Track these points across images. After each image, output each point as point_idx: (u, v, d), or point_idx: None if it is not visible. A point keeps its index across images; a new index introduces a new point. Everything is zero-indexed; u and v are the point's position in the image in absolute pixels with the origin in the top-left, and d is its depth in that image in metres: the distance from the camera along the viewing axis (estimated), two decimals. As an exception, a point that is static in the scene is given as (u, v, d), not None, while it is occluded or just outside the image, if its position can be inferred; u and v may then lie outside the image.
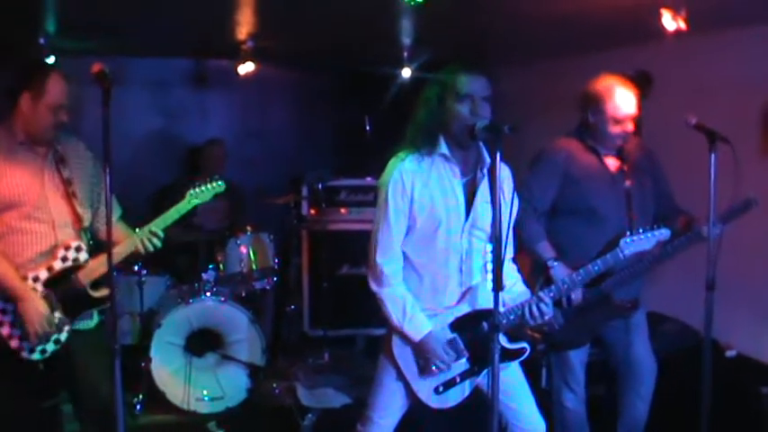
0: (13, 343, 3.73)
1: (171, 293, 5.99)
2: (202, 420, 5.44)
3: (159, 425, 5.42)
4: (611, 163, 4.36)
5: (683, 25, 4.27)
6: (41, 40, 5.68)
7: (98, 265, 3.84)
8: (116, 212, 4.09)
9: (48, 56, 5.85)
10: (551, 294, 3.57)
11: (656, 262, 4.33)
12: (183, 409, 5.47)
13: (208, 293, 5.71)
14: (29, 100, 3.71)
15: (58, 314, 3.75)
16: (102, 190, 4.03)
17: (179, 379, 5.51)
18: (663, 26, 4.31)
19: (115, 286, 3.56)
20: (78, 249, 3.84)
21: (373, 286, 3.56)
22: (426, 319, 3.49)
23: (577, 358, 4.44)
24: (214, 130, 7.42)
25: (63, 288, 3.78)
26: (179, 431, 5.41)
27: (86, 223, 3.92)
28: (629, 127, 4.25)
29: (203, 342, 5.72)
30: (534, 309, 3.49)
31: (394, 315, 3.50)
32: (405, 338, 3.50)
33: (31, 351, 3.74)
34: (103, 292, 3.88)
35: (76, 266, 3.82)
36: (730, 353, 4.93)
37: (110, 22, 5.39)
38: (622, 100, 4.22)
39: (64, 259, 3.81)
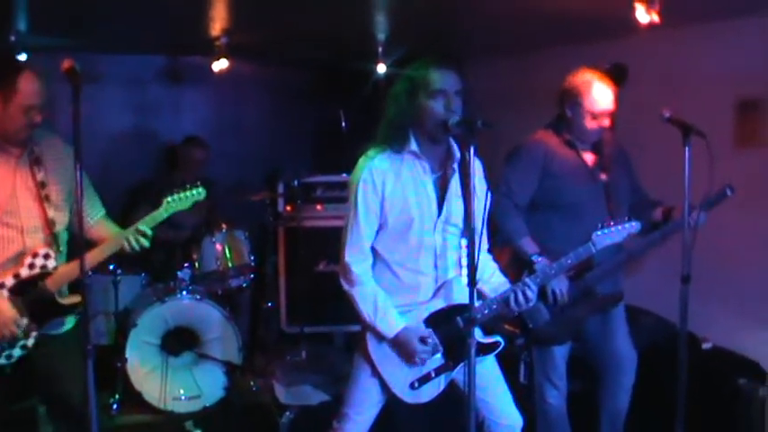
0: None
1: (146, 292, 5.95)
2: (180, 420, 5.42)
3: (136, 425, 5.39)
4: (588, 157, 4.39)
5: (656, 18, 4.27)
6: (12, 38, 5.62)
7: (69, 271, 3.72)
8: (98, 212, 4.02)
9: (19, 53, 5.79)
10: (537, 280, 3.59)
11: (638, 253, 4.37)
12: (160, 409, 5.45)
13: (184, 292, 5.68)
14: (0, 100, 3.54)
15: (24, 320, 3.62)
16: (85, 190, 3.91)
17: (155, 378, 5.48)
18: (636, 19, 4.31)
19: (88, 288, 3.47)
20: (47, 257, 3.70)
21: (345, 285, 3.57)
22: (399, 315, 3.50)
23: (560, 353, 4.45)
24: (189, 126, 7.37)
25: (30, 295, 3.64)
26: (156, 431, 5.38)
27: (59, 227, 3.77)
28: (606, 122, 4.28)
29: (179, 341, 5.69)
30: (520, 296, 3.50)
31: (366, 313, 3.50)
32: (379, 335, 3.50)
33: None
34: (73, 299, 3.79)
35: (45, 273, 3.69)
36: (706, 345, 4.96)
37: (82, 19, 5.34)
38: (600, 95, 4.25)
39: (31, 266, 3.67)
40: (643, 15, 4.27)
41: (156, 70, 7.63)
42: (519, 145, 4.45)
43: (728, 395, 4.61)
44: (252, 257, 6.31)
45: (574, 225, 4.15)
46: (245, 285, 6.29)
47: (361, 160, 3.55)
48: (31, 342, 3.67)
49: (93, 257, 3.75)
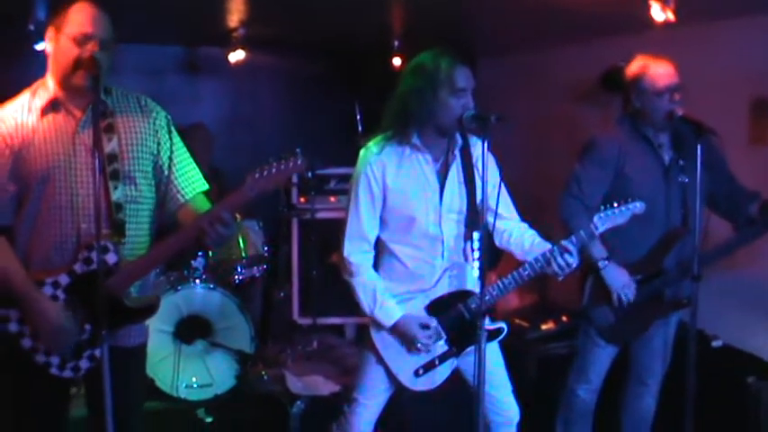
0: (39, 357, 3.08)
1: (160, 281, 5.98)
2: (191, 407, 5.46)
3: (148, 412, 5.36)
4: (667, 154, 4.22)
5: (671, 16, 4.26)
6: (31, 26, 5.65)
7: (135, 268, 3.12)
8: (196, 187, 3.37)
9: (37, 42, 5.83)
10: (574, 242, 3.52)
11: (724, 253, 4.28)
12: (172, 396, 5.48)
13: (197, 281, 5.71)
14: (52, 36, 3.06)
15: (88, 327, 3.08)
16: (176, 160, 3.32)
17: (168, 366, 5.50)
18: (651, 17, 4.30)
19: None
20: (105, 250, 2.99)
21: (345, 276, 3.64)
22: (398, 303, 3.55)
23: (608, 353, 4.38)
24: (205, 117, 7.39)
25: (91, 297, 2.97)
26: (168, 418, 5.42)
27: (126, 212, 3.13)
28: (676, 99, 4.08)
29: (192, 329, 5.71)
30: (560, 260, 3.47)
31: (365, 303, 3.57)
32: (379, 324, 3.56)
33: (61, 368, 3.10)
34: (147, 300, 3.22)
35: (107, 270, 3.00)
36: (716, 343, 4.95)
37: (103, 11, 5.37)
38: (659, 69, 4.11)
39: (86, 261, 3.05)
40: (658, 13, 4.26)
41: (174, 61, 7.68)
42: (591, 140, 4.30)
43: (738, 393, 4.61)
44: (266, 248, 6.35)
45: (642, 227, 3.96)
46: (257, 275, 6.33)
47: (362, 153, 3.60)
48: (99, 353, 3.02)
49: (162, 251, 3.17)
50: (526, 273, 3.53)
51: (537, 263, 3.51)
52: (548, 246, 3.56)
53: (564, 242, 3.49)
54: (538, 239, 3.65)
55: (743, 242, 4.30)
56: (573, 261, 3.48)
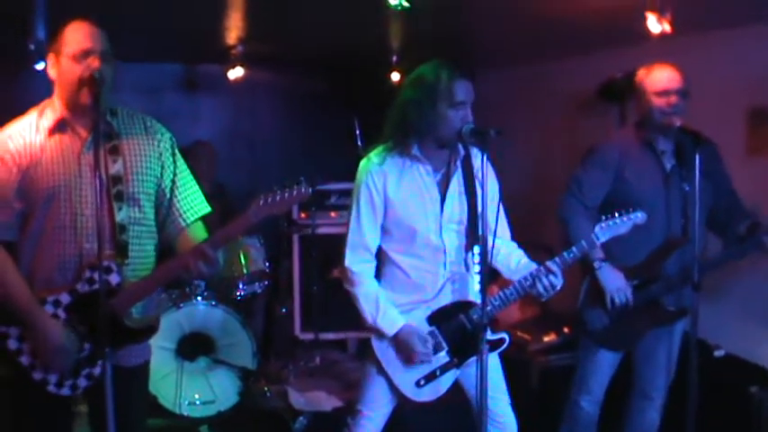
0: (36, 375, 3.09)
1: (162, 298, 5.98)
2: (194, 424, 5.47)
3: (150, 429, 5.40)
4: (669, 162, 4.23)
5: (667, 28, 4.28)
6: (31, 46, 5.67)
7: (138, 290, 3.13)
8: (197, 211, 3.38)
9: (38, 62, 5.85)
10: (558, 262, 3.53)
11: (712, 267, 4.23)
12: (175, 414, 5.48)
13: (199, 298, 5.71)
14: (54, 61, 3.10)
15: (87, 345, 3.09)
16: (179, 183, 3.34)
17: (170, 383, 5.50)
18: (647, 29, 4.32)
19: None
20: (108, 270, 3.03)
21: (347, 286, 3.65)
22: (399, 314, 3.54)
23: (608, 360, 4.35)
24: (205, 134, 7.43)
25: (92, 316, 3.00)
26: (171, 435, 5.43)
27: (130, 233, 3.15)
28: (674, 101, 4.08)
29: (195, 346, 5.72)
30: (545, 280, 3.48)
31: (367, 311, 3.57)
32: (381, 334, 3.56)
33: (59, 385, 3.10)
34: (147, 320, 3.22)
35: (109, 290, 3.03)
36: (719, 352, 4.95)
37: (100, 27, 5.39)
38: (660, 73, 4.14)
39: (89, 281, 3.07)
40: (654, 25, 4.28)
41: (173, 79, 7.71)
42: (594, 145, 4.36)
43: (740, 403, 4.60)
44: (267, 264, 6.35)
45: (641, 232, 3.87)
46: (259, 291, 6.33)
47: (364, 163, 3.60)
48: (98, 371, 3.08)
49: (163, 273, 3.19)
50: (523, 286, 3.54)
51: (526, 281, 3.52)
52: (533, 266, 3.57)
53: (549, 263, 3.51)
54: (525, 260, 3.67)
55: (728, 259, 4.30)
56: (557, 282, 3.50)
